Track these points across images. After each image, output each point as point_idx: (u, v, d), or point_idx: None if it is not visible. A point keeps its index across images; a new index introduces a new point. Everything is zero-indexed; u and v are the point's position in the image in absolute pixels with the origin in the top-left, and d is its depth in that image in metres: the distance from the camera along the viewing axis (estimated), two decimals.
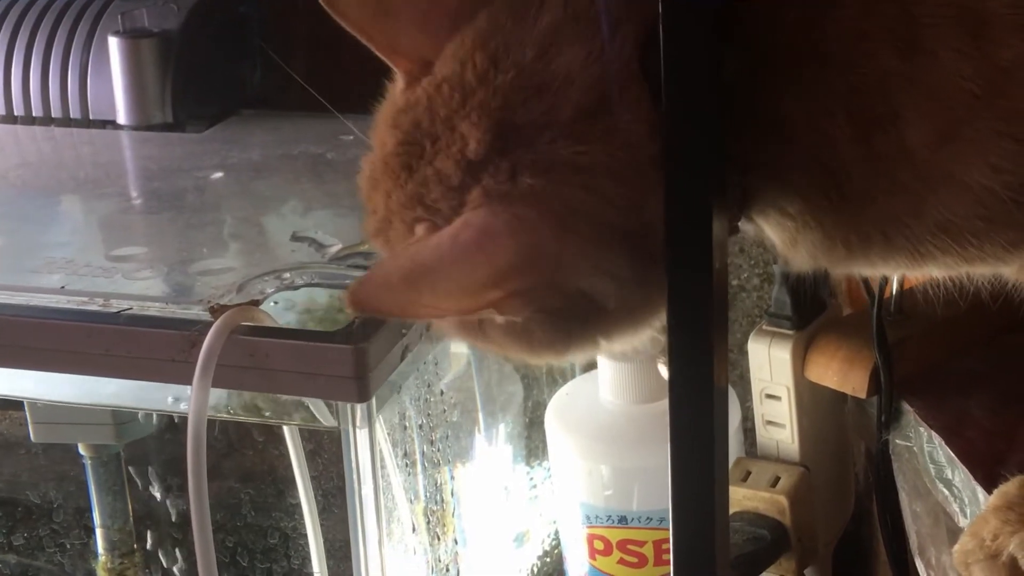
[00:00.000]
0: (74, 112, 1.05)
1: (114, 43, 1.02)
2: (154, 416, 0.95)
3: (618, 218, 0.52)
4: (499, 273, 0.50)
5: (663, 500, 0.58)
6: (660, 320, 0.58)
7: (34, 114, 1.06)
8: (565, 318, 0.54)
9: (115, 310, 0.70)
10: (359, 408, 0.69)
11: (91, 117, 1.05)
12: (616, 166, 0.51)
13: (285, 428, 0.82)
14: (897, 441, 0.77)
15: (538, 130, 0.51)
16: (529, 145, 0.51)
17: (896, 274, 0.62)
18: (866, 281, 0.79)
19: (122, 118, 1.03)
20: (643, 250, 0.53)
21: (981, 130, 0.51)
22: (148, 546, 1.03)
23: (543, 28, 0.52)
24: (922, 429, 0.74)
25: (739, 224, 0.57)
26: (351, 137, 0.98)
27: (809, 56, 0.52)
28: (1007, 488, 0.65)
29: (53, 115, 1.05)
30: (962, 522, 0.69)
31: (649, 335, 0.60)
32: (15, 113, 1.06)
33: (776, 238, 0.58)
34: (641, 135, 0.51)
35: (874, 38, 0.51)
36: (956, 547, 0.64)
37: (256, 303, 0.70)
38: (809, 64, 0.52)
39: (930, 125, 0.52)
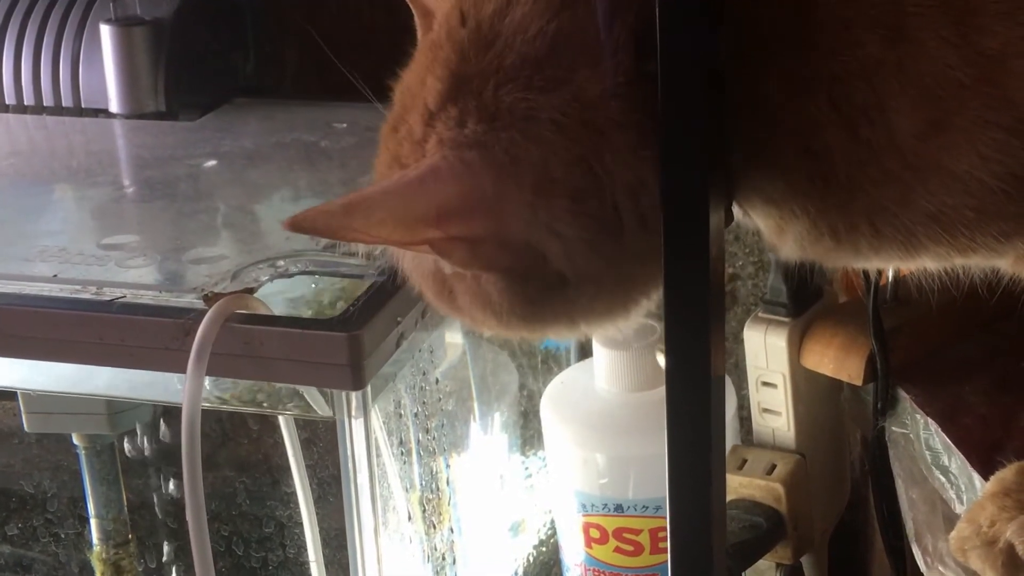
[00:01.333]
0: (66, 100, 1.04)
1: (106, 31, 1.01)
2: (149, 406, 0.95)
3: (562, 172, 0.52)
4: (437, 211, 0.51)
5: (659, 488, 0.58)
6: (636, 304, 0.58)
7: (26, 103, 1.05)
8: (521, 282, 0.54)
9: (108, 298, 0.70)
10: (354, 396, 0.69)
11: (83, 105, 1.04)
12: (563, 119, 0.51)
13: (280, 417, 0.82)
14: (893, 428, 0.77)
15: (485, 78, 0.52)
16: (477, 93, 0.52)
17: (888, 266, 0.61)
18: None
19: (114, 106, 1.03)
20: (596, 215, 0.53)
21: (970, 119, 0.51)
22: (143, 536, 1.03)
23: None
24: (918, 416, 0.74)
25: (732, 211, 0.57)
26: (344, 125, 0.98)
27: (794, 41, 0.52)
28: (1004, 474, 0.65)
29: (45, 104, 1.05)
30: (959, 509, 0.69)
31: (636, 322, 0.60)
32: (7, 102, 1.05)
33: (763, 226, 0.58)
34: (599, 92, 0.51)
35: (858, 26, 0.51)
36: (953, 534, 0.64)
37: (250, 291, 0.70)
38: (794, 49, 0.52)
39: (918, 114, 0.51)
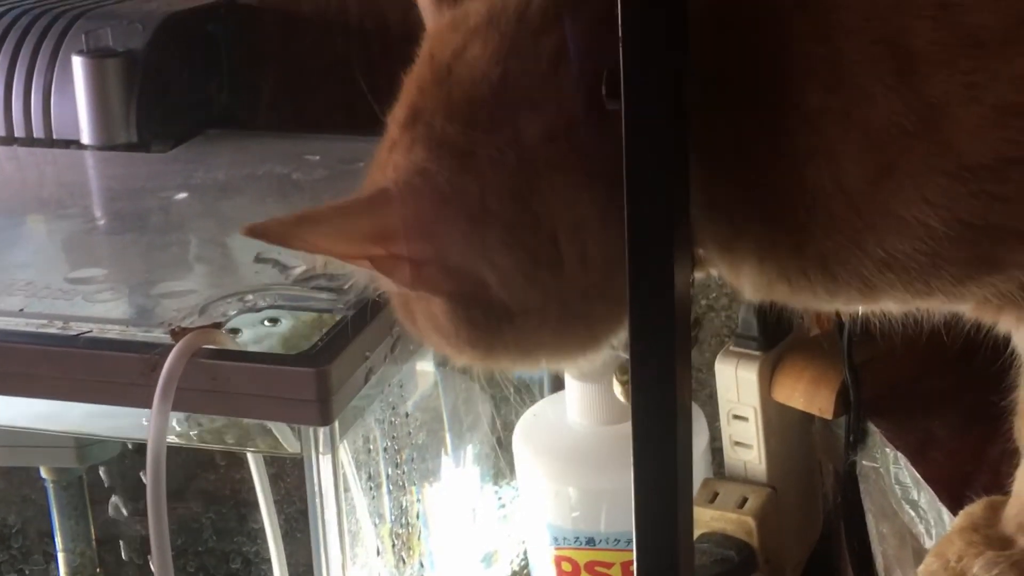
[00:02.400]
0: (38, 132, 1.04)
1: (78, 62, 1.01)
2: (117, 441, 0.94)
3: (498, 205, 0.53)
4: (381, 231, 0.54)
5: (630, 522, 0.57)
6: (596, 341, 0.59)
7: None
8: (466, 307, 0.56)
9: (75, 333, 0.70)
10: (322, 432, 0.69)
11: (55, 137, 1.04)
12: (500, 156, 0.53)
13: (248, 455, 0.81)
14: (864, 462, 0.77)
15: (435, 111, 0.54)
16: (427, 124, 0.54)
17: (849, 309, 0.62)
18: None
19: (86, 138, 1.02)
20: (532, 249, 0.54)
21: (916, 165, 0.51)
22: (110, 570, 1.02)
23: (469, 26, 0.55)
24: (888, 450, 0.74)
25: (696, 253, 0.57)
26: (317, 157, 0.98)
27: (739, 89, 0.52)
28: (972, 509, 0.65)
29: (16, 135, 1.04)
30: (928, 544, 0.69)
31: (602, 358, 0.60)
32: None
33: (721, 271, 0.58)
34: (538, 134, 0.53)
35: (797, 74, 0.52)
36: (921, 568, 0.64)
37: (218, 325, 0.69)
38: (739, 97, 0.52)
39: (866, 160, 0.52)
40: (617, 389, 0.67)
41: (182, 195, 0.92)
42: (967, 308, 0.59)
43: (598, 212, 0.54)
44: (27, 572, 1.05)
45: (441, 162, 0.53)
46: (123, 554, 1.02)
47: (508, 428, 0.97)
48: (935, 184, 0.51)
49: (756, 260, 0.56)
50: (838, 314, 0.78)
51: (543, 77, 0.54)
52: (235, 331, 0.71)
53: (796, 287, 0.56)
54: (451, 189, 0.53)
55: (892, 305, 0.58)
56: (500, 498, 1.00)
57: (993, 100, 0.50)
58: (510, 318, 0.56)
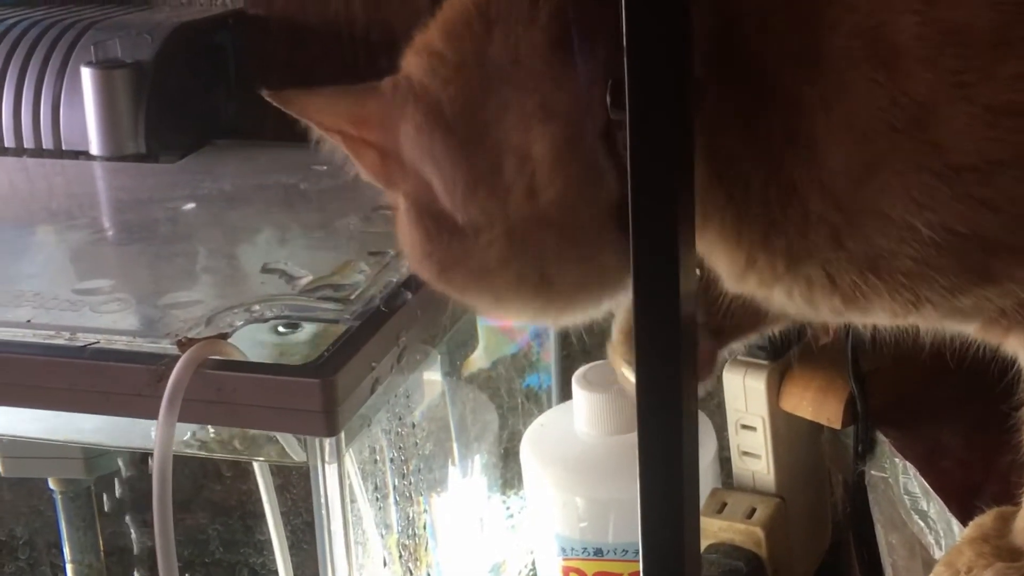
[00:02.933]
0: (47, 143, 1.04)
1: (87, 73, 1.01)
2: (125, 452, 0.94)
3: (451, 112, 0.56)
4: (359, 115, 0.58)
5: (639, 532, 0.57)
6: (551, 290, 0.59)
7: (6, 144, 1.05)
8: (424, 215, 0.58)
9: (81, 344, 0.70)
10: (328, 442, 0.69)
11: (64, 147, 1.04)
12: (465, 63, 0.56)
13: (255, 463, 0.81)
14: (872, 472, 0.77)
15: (434, 24, 0.58)
16: (426, 34, 0.58)
17: (835, 320, 0.61)
18: None
19: (95, 148, 1.02)
20: (476, 163, 0.56)
21: (903, 162, 0.51)
22: None
23: None
24: (897, 460, 0.74)
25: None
26: (324, 168, 0.98)
27: (719, 72, 0.52)
28: (982, 520, 0.64)
29: (25, 145, 1.05)
30: (937, 554, 0.69)
31: (556, 319, 0.62)
32: None
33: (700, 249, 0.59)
34: (507, 55, 0.56)
35: (771, 58, 0.52)
36: None
37: (224, 336, 0.69)
38: (717, 78, 0.52)
39: (852, 155, 0.51)
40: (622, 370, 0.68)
41: (190, 205, 0.92)
42: (973, 329, 0.58)
43: (551, 150, 0.55)
44: None
45: (419, 65, 0.57)
46: (132, 564, 1.02)
47: (515, 438, 0.97)
48: (921, 183, 0.51)
49: (725, 248, 0.56)
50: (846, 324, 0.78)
51: (526, 5, 0.55)
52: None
53: (766, 285, 0.56)
54: (419, 88, 0.57)
55: (882, 317, 0.57)
56: (508, 508, 0.99)
57: (985, 100, 0.50)
58: (458, 233, 0.57)
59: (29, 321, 0.72)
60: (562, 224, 0.56)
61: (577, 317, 0.62)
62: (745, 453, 0.84)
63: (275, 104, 0.60)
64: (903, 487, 0.73)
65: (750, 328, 0.69)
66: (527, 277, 0.58)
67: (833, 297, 0.55)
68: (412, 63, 0.58)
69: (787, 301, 0.57)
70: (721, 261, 0.58)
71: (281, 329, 0.72)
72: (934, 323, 0.58)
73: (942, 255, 0.52)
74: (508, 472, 0.99)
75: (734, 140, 0.53)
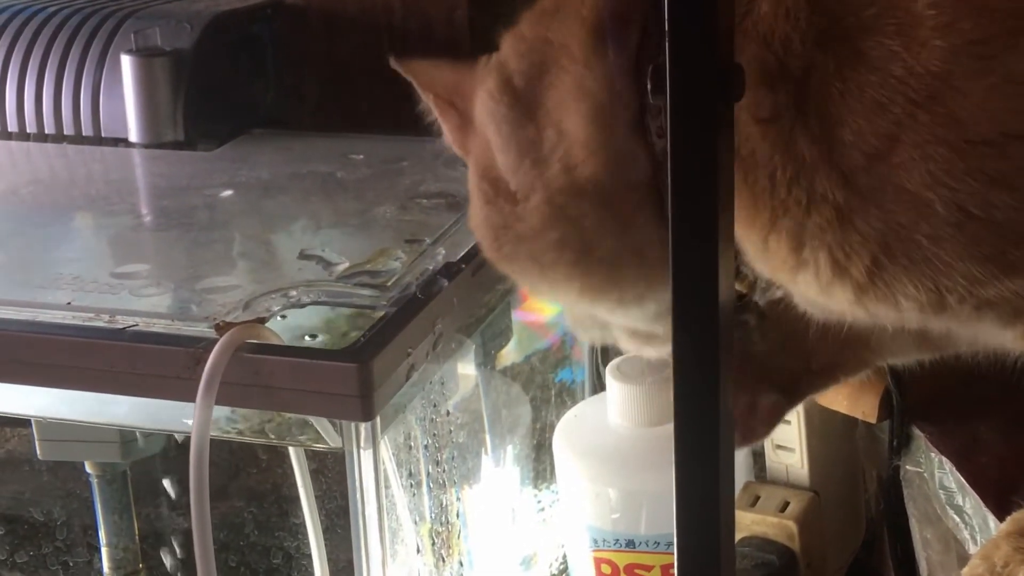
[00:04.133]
0: (86, 130, 1.05)
1: (127, 61, 1.02)
2: (162, 436, 0.95)
3: (516, 82, 0.61)
4: (454, 81, 0.65)
5: (671, 524, 0.57)
6: (584, 272, 0.61)
7: (47, 131, 1.06)
8: (481, 176, 0.63)
9: (120, 326, 0.70)
10: (363, 427, 0.69)
11: (103, 135, 1.05)
12: (534, 42, 0.61)
13: (290, 447, 0.81)
14: (908, 467, 0.76)
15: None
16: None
17: (869, 319, 0.60)
18: None
19: (134, 136, 1.03)
20: (525, 133, 0.59)
21: (921, 135, 0.50)
22: (153, 565, 1.02)
23: None
24: (932, 455, 0.73)
25: None
26: (361, 157, 0.99)
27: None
28: (1019, 515, 0.64)
29: (65, 132, 1.05)
30: (972, 549, 0.68)
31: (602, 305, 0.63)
32: (28, 130, 1.06)
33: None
34: (565, 38, 0.59)
35: (785, 31, 0.52)
36: (965, 570, 0.64)
37: (262, 320, 0.70)
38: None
39: (866, 128, 0.51)
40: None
41: (227, 193, 0.93)
42: (1013, 337, 0.57)
43: (583, 128, 0.58)
44: (71, 564, 1.05)
45: (507, 43, 0.62)
46: (166, 548, 1.03)
47: (548, 430, 0.97)
48: (938, 156, 0.50)
49: (743, 232, 0.56)
50: None
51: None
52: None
53: (781, 272, 0.56)
54: (501, 61, 0.62)
55: (912, 313, 0.55)
56: (539, 501, 0.99)
57: (1003, 70, 0.49)
58: (510, 197, 0.60)
59: (69, 303, 0.73)
60: (598, 198, 0.58)
61: (620, 298, 0.62)
62: (779, 447, 0.84)
63: (398, 70, 0.66)
64: (939, 482, 0.72)
65: (846, 368, 0.69)
66: (568, 244, 0.60)
67: (845, 285, 0.54)
68: (504, 42, 0.63)
69: (814, 295, 0.57)
70: (745, 247, 0.57)
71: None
72: (970, 325, 0.57)
73: (957, 239, 0.51)
74: (540, 465, 0.99)
75: (743, 114, 0.53)
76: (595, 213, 0.59)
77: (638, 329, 0.66)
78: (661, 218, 0.55)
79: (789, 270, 0.57)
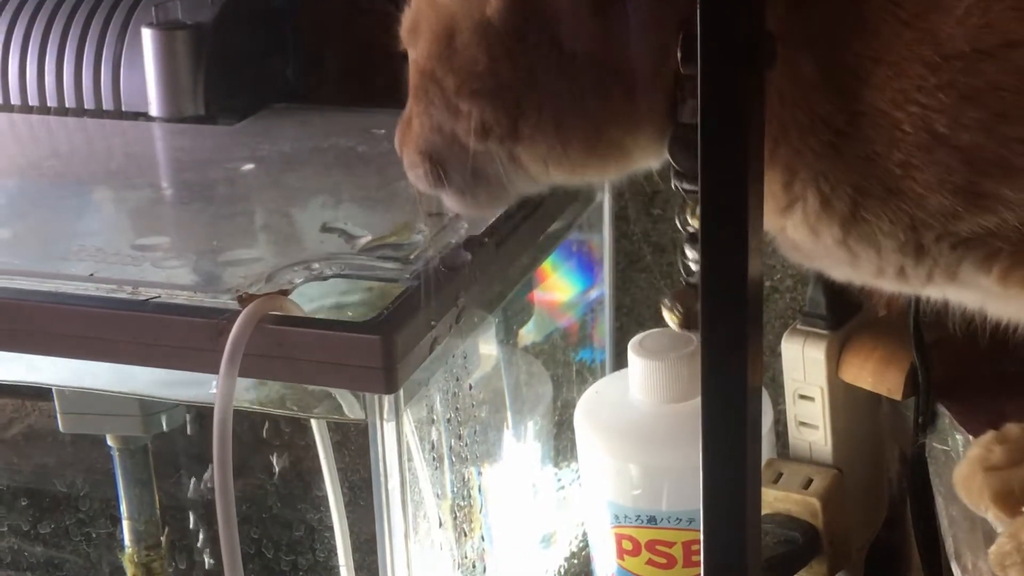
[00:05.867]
0: (107, 104, 1.05)
1: (147, 35, 1.02)
2: (183, 409, 0.95)
3: None
4: None
5: (693, 500, 0.57)
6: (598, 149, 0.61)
7: (67, 105, 1.06)
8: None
9: (143, 298, 0.70)
10: (386, 400, 0.69)
11: (123, 109, 1.04)
12: None
13: (313, 420, 0.81)
14: (934, 444, 0.76)
15: None
16: None
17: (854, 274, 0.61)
18: None
19: (154, 110, 1.03)
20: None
21: (900, 53, 0.51)
22: (174, 538, 1.03)
23: None
24: (958, 433, 0.73)
25: None
26: (382, 131, 0.98)
27: None
28: None
29: (86, 106, 1.05)
30: (999, 527, 0.68)
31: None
32: (48, 104, 1.06)
33: None
34: None
35: None
36: (993, 548, 0.63)
37: (285, 292, 0.69)
38: None
39: (853, 47, 0.52)
40: (667, 317, 0.67)
41: (248, 167, 0.93)
42: (988, 283, 0.56)
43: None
44: (93, 537, 1.06)
45: None
46: (188, 520, 1.03)
47: (567, 409, 0.97)
48: (912, 73, 0.51)
49: None
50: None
51: None
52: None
53: (774, 213, 0.56)
54: None
55: (891, 253, 0.56)
56: (559, 479, 0.99)
57: None
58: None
59: (92, 275, 0.73)
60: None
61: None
62: (802, 423, 0.83)
63: None
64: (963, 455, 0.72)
65: None
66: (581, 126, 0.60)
67: (832, 221, 0.56)
68: None
69: (803, 237, 0.58)
70: None
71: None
72: (951, 274, 0.57)
73: (927, 167, 0.52)
74: (560, 443, 0.99)
75: None
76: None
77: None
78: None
79: (780, 211, 0.58)
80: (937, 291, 0.60)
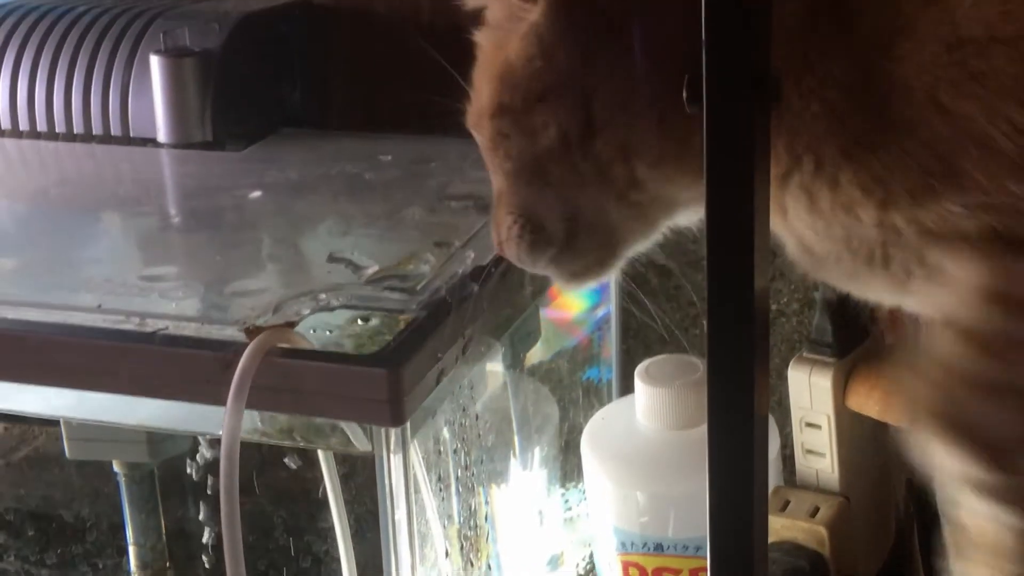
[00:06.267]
0: (115, 129, 1.05)
1: (155, 61, 1.02)
2: (189, 435, 0.95)
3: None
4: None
5: (700, 528, 0.57)
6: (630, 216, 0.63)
7: (75, 131, 1.06)
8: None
9: (150, 330, 0.70)
10: (393, 432, 0.69)
11: (131, 135, 1.05)
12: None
13: (319, 452, 0.81)
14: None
15: None
16: None
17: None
18: None
19: (162, 136, 1.03)
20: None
21: (923, 31, 0.54)
22: (180, 565, 1.03)
23: None
24: None
25: None
26: (389, 157, 0.98)
27: None
28: None
29: (94, 132, 1.06)
30: None
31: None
32: (56, 130, 1.07)
33: None
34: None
35: None
36: None
37: (292, 324, 0.69)
38: None
39: (884, 24, 0.55)
40: None
41: (256, 194, 0.93)
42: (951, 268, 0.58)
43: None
44: (100, 564, 1.06)
45: None
46: (194, 548, 1.03)
47: (574, 431, 0.97)
48: (929, 51, 0.54)
49: None
50: (914, 321, 0.77)
51: None
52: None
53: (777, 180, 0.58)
54: None
55: (869, 232, 0.58)
56: (567, 501, 0.99)
57: None
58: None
59: (99, 306, 0.73)
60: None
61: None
62: (809, 451, 0.83)
63: None
64: None
65: None
66: (612, 191, 0.63)
67: (823, 185, 0.58)
68: None
69: (803, 215, 0.60)
70: None
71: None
72: (920, 253, 0.58)
73: (915, 133, 0.54)
74: (567, 465, 0.99)
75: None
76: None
77: None
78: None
79: (780, 180, 0.59)
80: (923, 294, 0.60)
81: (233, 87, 1.03)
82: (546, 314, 0.95)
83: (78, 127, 1.06)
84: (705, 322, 0.54)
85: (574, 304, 1.01)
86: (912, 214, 0.57)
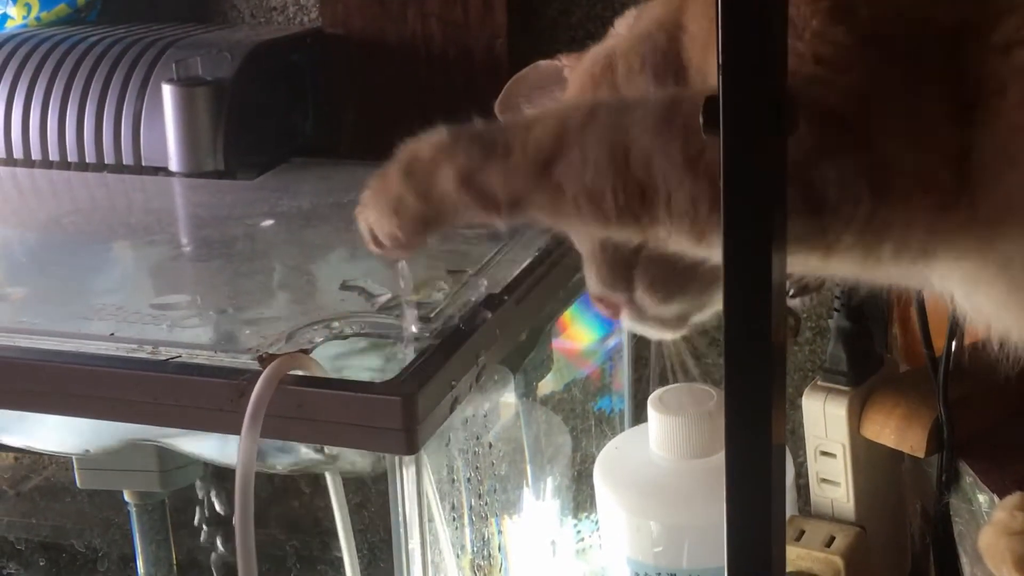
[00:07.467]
0: (127, 159, 1.05)
1: (168, 91, 1.03)
2: (200, 464, 0.95)
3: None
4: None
5: (714, 558, 0.57)
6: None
7: (88, 160, 1.06)
8: None
9: (164, 358, 0.70)
10: (407, 461, 0.68)
11: (144, 164, 1.05)
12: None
13: (328, 478, 0.81)
14: (958, 503, 0.75)
15: None
16: None
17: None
18: (926, 335, 0.77)
19: (174, 165, 1.04)
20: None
21: None
22: None
23: None
24: (981, 492, 0.72)
25: None
26: None
27: None
28: None
29: (106, 161, 1.06)
30: None
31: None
32: (69, 159, 1.07)
33: None
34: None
35: None
36: None
37: (305, 352, 0.69)
38: None
39: None
40: None
41: (268, 222, 0.93)
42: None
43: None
44: None
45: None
46: None
47: (588, 460, 0.96)
48: None
49: None
50: (931, 349, 0.77)
51: None
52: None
53: None
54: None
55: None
56: (579, 532, 0.99)
57: None
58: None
59: (112, 335, 0.73)
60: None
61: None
62: (824, 480, 0.83)
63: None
64: (989, 519, 0.71)
65: None
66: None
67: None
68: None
69: None
70: None
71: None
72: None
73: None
74: (580, 495, 0.98)
75: None
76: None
77: None
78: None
79: None
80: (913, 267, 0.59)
81: (245, 116, 1.04)
82: (557, 345, 0.95)
83: (90, 156, 1.06)
84: (721, 351, 0.54)
85: (585, 335, 1.01)
86: None
